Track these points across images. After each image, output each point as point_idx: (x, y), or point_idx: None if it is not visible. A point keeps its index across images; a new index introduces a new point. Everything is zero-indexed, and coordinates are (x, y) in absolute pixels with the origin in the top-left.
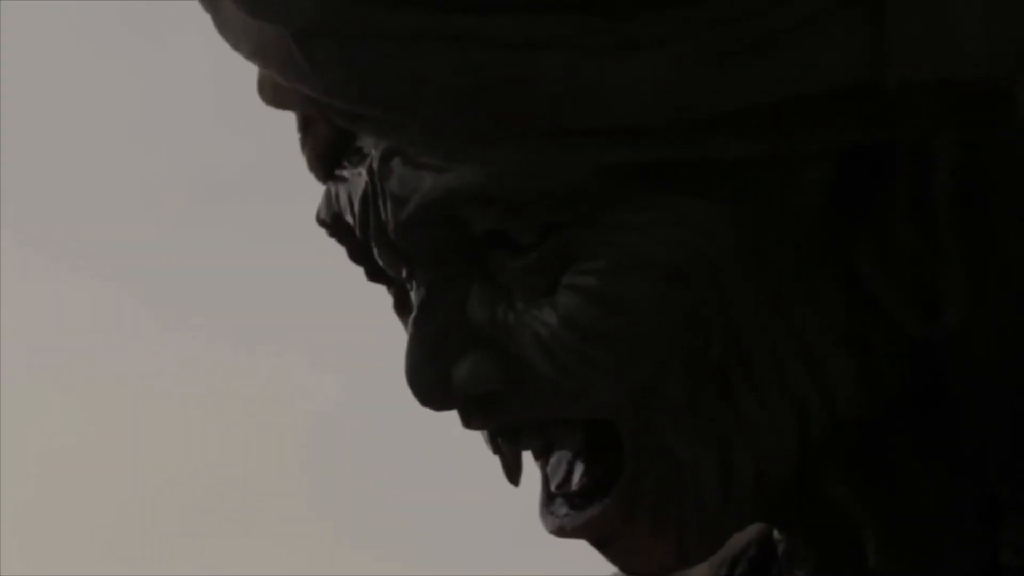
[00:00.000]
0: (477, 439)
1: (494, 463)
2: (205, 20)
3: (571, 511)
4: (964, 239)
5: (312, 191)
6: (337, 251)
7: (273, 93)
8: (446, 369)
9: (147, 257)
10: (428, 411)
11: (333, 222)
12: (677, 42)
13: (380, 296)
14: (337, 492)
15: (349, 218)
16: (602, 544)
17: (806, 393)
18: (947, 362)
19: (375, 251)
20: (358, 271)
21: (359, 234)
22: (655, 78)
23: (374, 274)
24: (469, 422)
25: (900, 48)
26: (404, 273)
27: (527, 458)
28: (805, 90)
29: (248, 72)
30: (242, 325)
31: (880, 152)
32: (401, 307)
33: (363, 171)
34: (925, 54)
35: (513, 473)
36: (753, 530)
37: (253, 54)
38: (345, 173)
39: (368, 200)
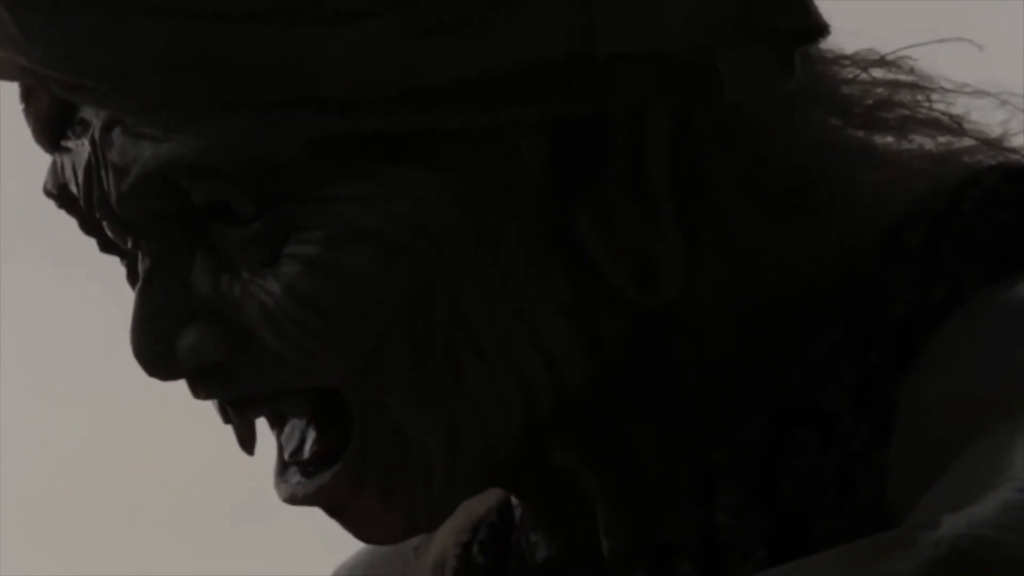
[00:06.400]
0: None
1: None
2: None
3: (303, 479)
4: (679, 208)
5: None
6: None
7: None
8: (171, 340)
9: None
10: None
11: (60, 193)
12: (385, 16)
13: None
14: None
15: (74, 189)
16: (335, 512)
17: (530, 362)
18: (668, 330)
19: (102, 222)
20: None
21: (83, 205)
22: (363, 51)
23: (106, 246)
24: (197, 392)
25: (608, 20)
26: (130, 244)
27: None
28: (517, 63)
29: None
30: None
31: (597, 124)
32: (132, 278)
33: (86, 142)
34: (631, 27)
35: (246, 443)
36: (493, 496)
37: None
38: (70, 144)
39: (91, 171)
